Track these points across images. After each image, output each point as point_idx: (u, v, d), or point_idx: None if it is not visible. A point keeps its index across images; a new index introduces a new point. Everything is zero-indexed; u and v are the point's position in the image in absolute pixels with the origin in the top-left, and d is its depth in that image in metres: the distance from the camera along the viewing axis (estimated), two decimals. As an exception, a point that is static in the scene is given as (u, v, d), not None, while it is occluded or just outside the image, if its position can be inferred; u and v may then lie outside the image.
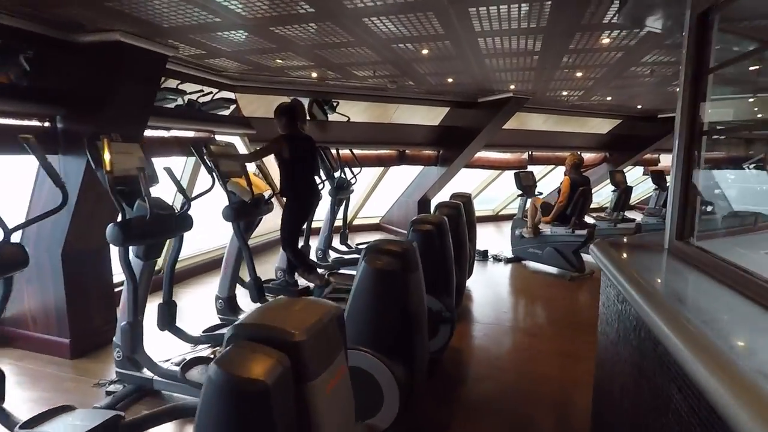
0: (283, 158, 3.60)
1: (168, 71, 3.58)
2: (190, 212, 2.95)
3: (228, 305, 3.86)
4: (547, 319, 4.17)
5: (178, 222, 2.88)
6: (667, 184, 7.92)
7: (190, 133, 4.73)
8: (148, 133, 3.93)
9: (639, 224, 6.07)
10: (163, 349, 3.01)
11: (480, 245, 6.89)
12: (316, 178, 4.20)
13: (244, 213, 3.59)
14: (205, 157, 3.37)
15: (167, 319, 2.97)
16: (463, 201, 4.63)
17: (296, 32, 2.92)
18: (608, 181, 8.60)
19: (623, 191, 6.26)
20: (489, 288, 5.17)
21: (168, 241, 3.22)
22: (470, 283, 5.12)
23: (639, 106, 6.76)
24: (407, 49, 3.38)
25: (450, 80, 4.65)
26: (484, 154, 7.61)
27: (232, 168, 3.60)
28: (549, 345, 3.56)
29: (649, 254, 1.98)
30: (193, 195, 3.13)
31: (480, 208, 10.26)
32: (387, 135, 6.45)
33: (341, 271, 5.36)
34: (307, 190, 3.85)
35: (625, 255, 2.00)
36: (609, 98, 5.90)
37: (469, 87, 5.21)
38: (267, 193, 3.89)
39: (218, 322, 3.75)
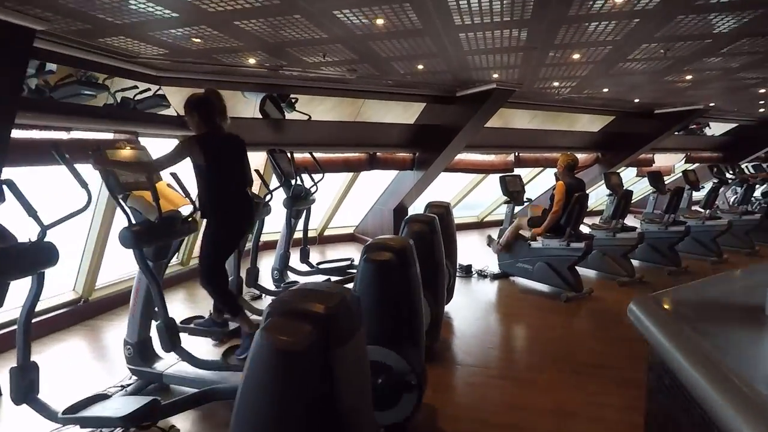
0: (198, 166, 2.75)
1: (44, 52, 2.73)
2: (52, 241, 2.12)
3: (139, 352, 3.00)
4: (542, 359, 3.39)
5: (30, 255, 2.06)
6: (667, 187, 7.30)
7: (110, 135, 3.90)
8: (35, 134, 3.08)
9: (641, 234, 5.36)
10: None
11: (463, 258, 6.13)
12: (256, 190, 3.37)
13: (149, 236, 2.73)
14: (93, 164, 2.53)
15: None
16: (440, 212, 3.84)
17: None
18: (600, 184, 8.01)
19: (623, 196, 5.54)
20: (472, 313, 4.38)
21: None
22: (451, 307, 4.33)
23: (636, 100, 6.08)
24: (357, 21, 2.59)
25: (421, 67, 3.86)
26: (465, 156, 6.84)
27: (136, 178, 2.77)
28: (547, 399, 2.77)
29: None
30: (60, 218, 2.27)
31: (463, 214, 9.54)
32: (355, 135, 5.64)
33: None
34: (233, 207, 2.91)
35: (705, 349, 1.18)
36: (605, 90, 5.19)
37: (445, 77, 4.43)
38: (189, 209, 3.03)
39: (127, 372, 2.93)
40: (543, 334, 3.88)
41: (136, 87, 4.04)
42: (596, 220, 6.57)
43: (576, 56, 3.55)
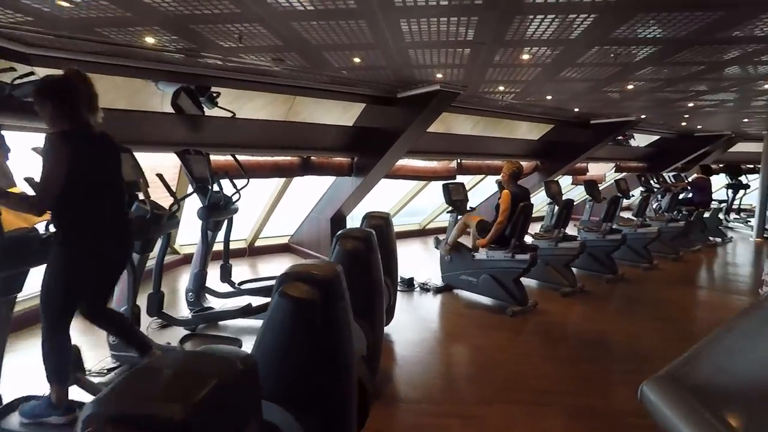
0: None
1: None
2: None
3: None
4: (492, 387, 3.05)
5: None
6: (603, 196, 7.45)
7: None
8: None
9: (583, 243, 5.29)
10: None
11: (405, 270, 5.76)
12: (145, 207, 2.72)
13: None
14: None
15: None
16: (378, 225, 3.42)
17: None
18: (539, 191, 8.07)
19: (565, 206, 5.45)
20: (416, 334, 3.99)
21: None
22: (392, 328, 3.92)
23: (576, 110, 6.07)
24: (278, -7, 2.09)
25: (357, 60, 3.42)
26: (407, 162, 6.50)
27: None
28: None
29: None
30: None
31: (405, 221, 9.23)
32: (286, 137, 5.08)
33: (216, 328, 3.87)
34: (104, 232, 2.20)
35: None
36: (549, 97, 5.06)
37: (385, 75, 4.03)
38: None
39: None
40: (491, 356, 3.57)
41: (12, 69, 3.24)
42: (536, 227, 6.50)
43: (525, 56, 3.29)
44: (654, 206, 8.86)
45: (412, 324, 4.23)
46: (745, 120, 7.29)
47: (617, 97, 5.17)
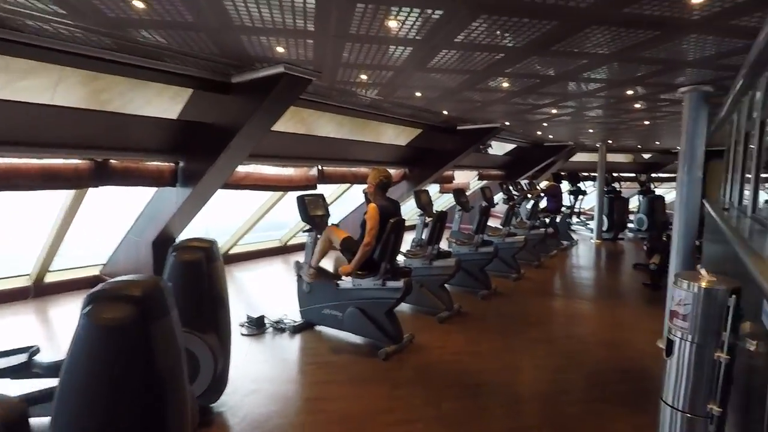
0: None
1: None
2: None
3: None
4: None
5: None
6: (471, 204, 7.22)
7: None
8: None
9: (458, 261, 4.76)
10: None
11: (257, 304, 4.59)
12: None
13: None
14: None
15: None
16: (194, 259, 2.26)
17: None
18: (408, 200, 7.60)
19: (438, 218, 4.86)
20: (260, 407, 2.85)
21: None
22: (224, 402, 2.73)
23: (445, 112, 5.60)
24: None
25: (142, 5, 2.19)
26: (255, 169, 5.29)
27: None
28: None
29: None
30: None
31: (264, 237, 7.94)
32: (73, 130, 3.51)
33: None
34: None
35: None
36: (418, 94, 4.40)
37: (205, 47, 2.85)
38: None
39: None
40: (363, 429, 2.63)
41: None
42: (407, 241, 5.85)
43: (392, 24, 2.44)
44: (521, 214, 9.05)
45: (256, 389, 3.07)
46: (590, 131, 7.77)
47: (480, 101, 4.80)
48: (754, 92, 3.56)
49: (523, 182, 9.66)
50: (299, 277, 4.22)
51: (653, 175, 12.53)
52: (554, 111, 5.50)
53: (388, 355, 3.58)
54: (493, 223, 6.84)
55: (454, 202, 6.40)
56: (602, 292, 5.91)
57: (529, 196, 8.88)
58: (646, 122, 6.72)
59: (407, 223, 7.76)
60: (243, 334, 4.01)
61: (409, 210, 9.46)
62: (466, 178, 9.68)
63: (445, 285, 4.84)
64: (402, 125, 6.46)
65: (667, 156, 12.05)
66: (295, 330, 4.12)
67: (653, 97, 4.74)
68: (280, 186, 5.65)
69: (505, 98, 4.68)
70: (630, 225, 10.83)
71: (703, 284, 1.77)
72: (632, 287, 6.03)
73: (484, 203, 6.80)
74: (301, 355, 3.75)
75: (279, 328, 4.16)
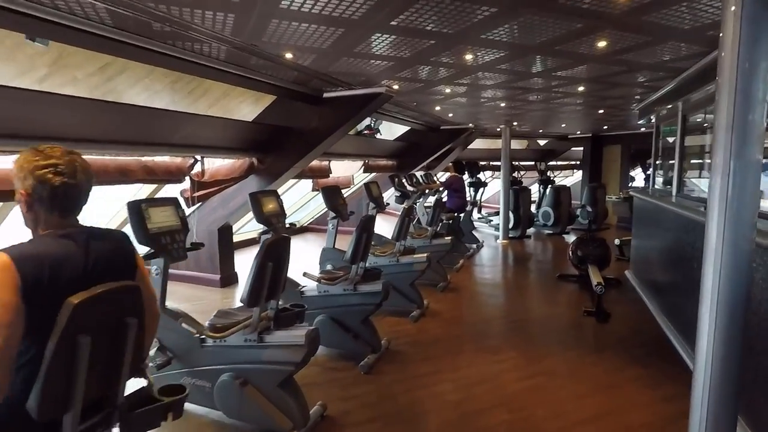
0: None
1: None
2: None
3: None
4: None
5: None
6: (351, 210, 5.04)
7: None
8: None
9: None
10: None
11: None
12: None
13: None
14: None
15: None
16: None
17: None
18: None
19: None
20: None
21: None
22: None
23: (305, 63, 3.28)
24: None
25: None
26: None
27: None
28: None
29: None
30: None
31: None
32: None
33: None
34: None
35: None
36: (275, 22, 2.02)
37: None
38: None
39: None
40: None
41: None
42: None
43: None
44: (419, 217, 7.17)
45: None
46: (495, 110, 6.10)
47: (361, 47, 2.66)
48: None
49: (419, 174, 7.80)
50: None
51: (551, 163, 11.75)
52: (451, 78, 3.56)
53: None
54: (381, 228, 4.75)
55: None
56: (533, 333, 4.14)
57: (428, 191, 7.02)
58: (557, 102, 5.23)
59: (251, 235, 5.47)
60: None
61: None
62: (348, 171, 7.52)
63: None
64: (247, 88, 4.03)
65: (564, 142, 11.28)
66: None
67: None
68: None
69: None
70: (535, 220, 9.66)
71: None
72: (570, 319, 4.37)
73: (371, 204, 4.70)
74: None
75: None
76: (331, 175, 6.65)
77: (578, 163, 12.35)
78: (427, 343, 3.70)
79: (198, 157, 4.22)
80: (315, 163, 6.17)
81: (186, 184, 4.35)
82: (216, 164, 4.41)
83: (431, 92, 4.80)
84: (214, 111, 4.59)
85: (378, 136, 8.13)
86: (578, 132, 10.38)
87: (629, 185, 10.70)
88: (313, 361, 2.52)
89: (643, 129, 9.52)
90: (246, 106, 4.89)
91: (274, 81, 3.94)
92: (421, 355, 3.44)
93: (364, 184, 5.35)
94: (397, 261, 4.29)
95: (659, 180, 5.79)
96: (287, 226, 3.61)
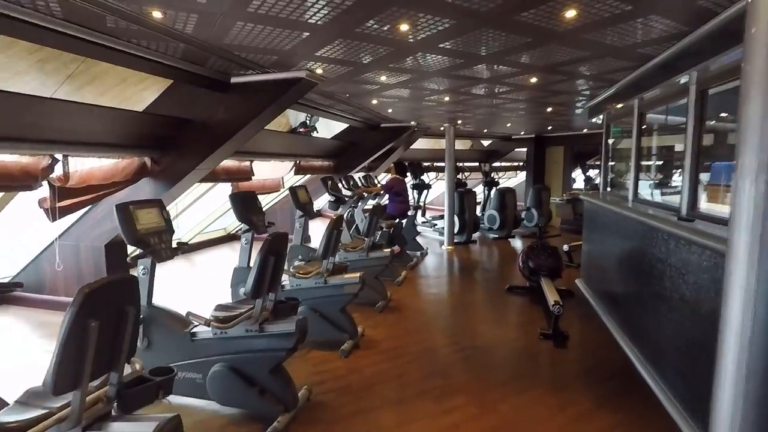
0: None
1: None
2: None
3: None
4: None
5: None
6: (268, 222, 4.14)
7: None
8: None
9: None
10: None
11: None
12: None
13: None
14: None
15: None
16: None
17: None
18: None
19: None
20: None
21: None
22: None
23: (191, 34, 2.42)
24: None
25: None
26: None
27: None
28: None
29: None
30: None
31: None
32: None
33: None
34: None
35: None
36: None
37: None
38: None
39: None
40: None
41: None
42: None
43: None
44: (357, 225, 6.46)
45: None
46: (438, 108, 5.51)
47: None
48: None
49: (358, 176, 7.08)
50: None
51: (495, 164, 11.48)
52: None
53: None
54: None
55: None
56: (485, 366, 3.54)
57: (366, 195, 6.32)
58: (503, 97, 4.74)
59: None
60: None
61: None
62: (277, 173, 6.63)
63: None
64: (121, 66, 3.08)
65: (508, 143, 11.03)
66: None
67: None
68: None
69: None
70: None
71: None
72: (525, 345, 3.81)
73: (299, 213, 3.94)
74: None
75: None
76: (254, 177, 5.73)
77: (522, 164, 12.21)
78: (360, 388, 2.97)
79: (58, 156, 3.21)
80: (232, 163, 5.25)
81: (45, 191, 3.32)
82: (87, 166, 3.41)
83: (364, 80, 4.08)
84: (107, 101, 3.60)
85: (315, 134, 7.33)
86: (522, 132, 10.14)
87: (572, 187, 10.64)
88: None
89: (585, 130, 9.43)
90: (152, 95, 3.93)
91: (161, 58, 3.03)
92: (350, 408, 2.71)
93: (290, 188, 4.53)
94: (324, 282, 3.53)
95: (608, 183, 5.46)
96: (174, 246, 2.77)
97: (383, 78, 3.96)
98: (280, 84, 3.56)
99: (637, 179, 4.19)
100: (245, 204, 3.65)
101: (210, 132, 3.82)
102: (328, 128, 7.61)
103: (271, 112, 3.81)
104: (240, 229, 3.42)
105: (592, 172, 12.27)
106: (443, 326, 4.23)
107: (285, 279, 3.37)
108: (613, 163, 5.57)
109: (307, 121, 7.32)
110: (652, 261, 3.11)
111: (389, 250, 4.62)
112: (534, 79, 4.24)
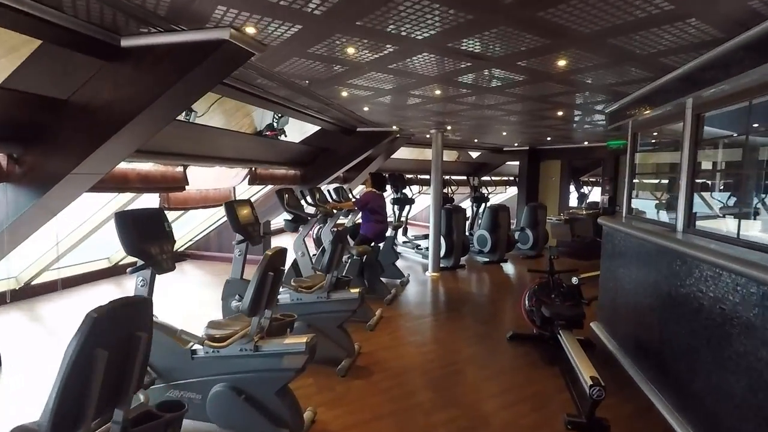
0: None
1: None
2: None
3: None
4: None
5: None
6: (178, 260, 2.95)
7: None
8: None
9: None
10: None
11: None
12: None
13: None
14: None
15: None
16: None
17: None
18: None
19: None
20: None
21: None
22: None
23: None
24: None
25: None
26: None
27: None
28: None
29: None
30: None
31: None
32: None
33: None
34: None
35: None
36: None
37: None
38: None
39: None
40: None
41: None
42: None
43: None
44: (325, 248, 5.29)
45: None
46: (422, 112, 4.41)
47: None
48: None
49: (327, 189, 5.89)
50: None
51: (485, 178, 10.45)
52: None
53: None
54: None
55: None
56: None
57: (336, 211, 5.14)
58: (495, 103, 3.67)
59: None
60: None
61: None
62: (225, 182, 5.39)
63: None
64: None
65: (498, 155, 10.01)
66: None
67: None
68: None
69: None
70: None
71: None
72: None
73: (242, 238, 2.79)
74: None
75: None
76: (189, 187, 4.48)
77: (513, 179, 11.22)
78: None
79: None
80: (154, 167, 4.00)
81: None
82: None
83: (325, 56, 2.94)
84: None
85: (283, 138, 6.15)
86: (516, 144, 9.15)
87: (568, 204, 9.68)
88: None
89: (586, 143, 8.49)
90: (8, 64, 2.70)
91: (15, 2, 1.84)
92: None
93: (225, 204, 3.32)
94: (254, 350, 2.33)
95: (632, 204, 4.42)
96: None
97: (351, 50, 2.81)
98: (193, 49, 2.37)
99: (690, 202, 3.13)
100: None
101: (93, 118, 2.59)
102: (301, 133, 6.46)
103: (185, 92, 2.61)
104: (129, 268, 2.26)
105: (585, 189, 11.41)
106: (430, 402, 3.02)
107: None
108: (636, 181, 4.54)
109: (274, 123, 6.15)
110: (720, 319, 2.03)
111: (357, 290, 3.41)
112: (558, 69, 3.17)
